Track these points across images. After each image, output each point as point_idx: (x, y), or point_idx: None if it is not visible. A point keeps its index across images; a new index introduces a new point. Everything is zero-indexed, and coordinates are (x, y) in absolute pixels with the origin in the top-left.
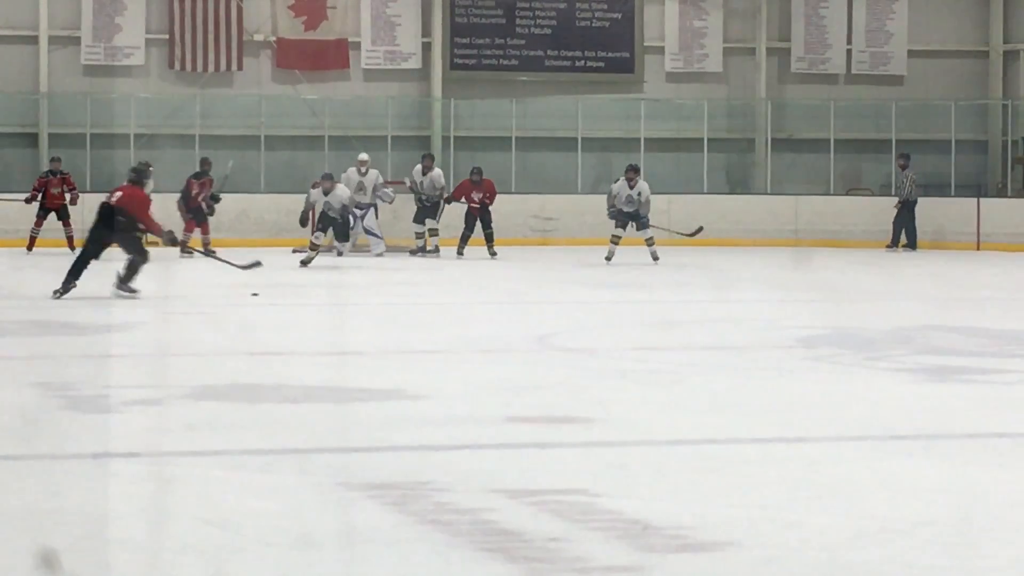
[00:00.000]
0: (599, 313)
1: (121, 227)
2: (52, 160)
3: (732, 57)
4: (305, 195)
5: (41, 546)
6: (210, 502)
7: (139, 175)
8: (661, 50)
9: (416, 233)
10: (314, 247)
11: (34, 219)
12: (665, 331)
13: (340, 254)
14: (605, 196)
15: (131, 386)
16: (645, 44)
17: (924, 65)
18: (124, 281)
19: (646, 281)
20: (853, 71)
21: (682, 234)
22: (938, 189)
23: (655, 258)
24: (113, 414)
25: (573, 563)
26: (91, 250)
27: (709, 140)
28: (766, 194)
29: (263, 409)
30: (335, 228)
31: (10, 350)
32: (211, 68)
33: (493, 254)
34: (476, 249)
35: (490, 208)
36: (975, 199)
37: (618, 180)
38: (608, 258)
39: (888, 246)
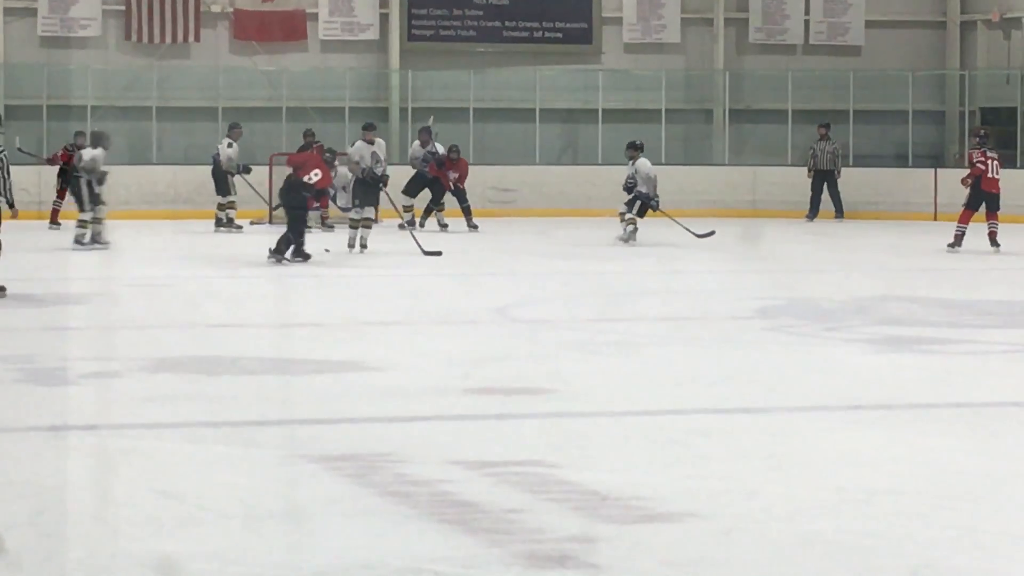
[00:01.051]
0: (558, 284)
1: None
2: (77, 134)
3: (690, 28)
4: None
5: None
6: (165, 474)
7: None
8: (619, 21)
9: (404, 207)
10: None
11: (56, 192)
12: (624, 302)
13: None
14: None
15: (86, 359)
16: (603, 15)
17: (882, 36)
18: (295, 252)
19: (605, 253)
20: (811, 41)
21: (694, 234)
22: (896, 160)
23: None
24: (68, 386)
25: (532, 534)
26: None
27: (667, 111)
28: (724, 165)
29: (218, 381)
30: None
31: None
32: (168, 39)
33: (474, 227)
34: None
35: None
36: (932, 169)
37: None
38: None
39: (807, 216)
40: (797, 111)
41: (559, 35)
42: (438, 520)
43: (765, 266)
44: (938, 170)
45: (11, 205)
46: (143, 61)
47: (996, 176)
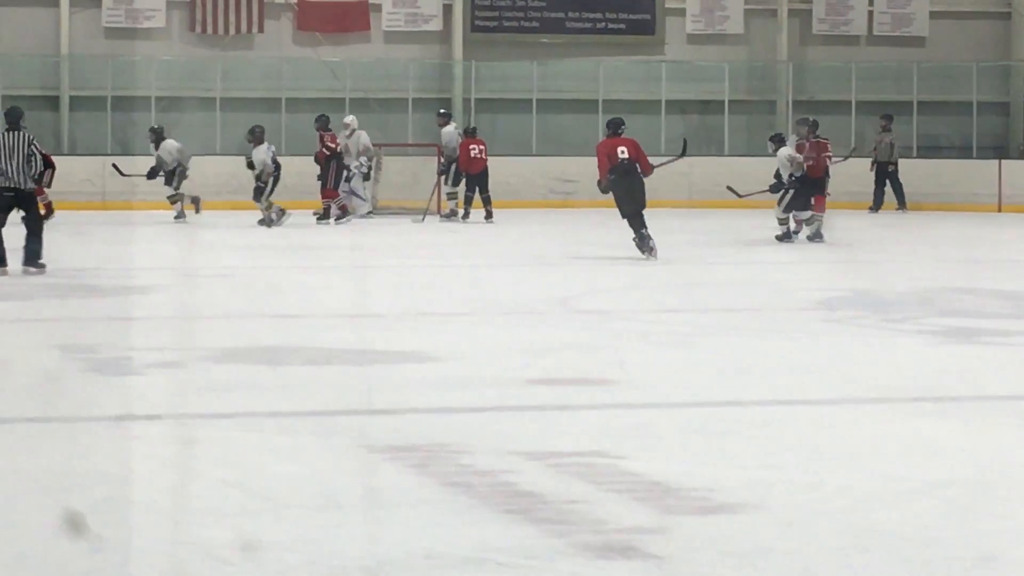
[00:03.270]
0: (619, 275)
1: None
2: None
3: (753, 19)
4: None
5: (66, 508)
6: (232, 464)
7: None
8: (682, 12)
9: (448, 194)
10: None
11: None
12: (686, 293)
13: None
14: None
15: (153, 348)
16: (666, 6)
17: (946, 26)
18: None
19: (667, 243)
20: (875, 32)
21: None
22: (960, 151)
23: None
24: (135, 376)
25: (594, 524)
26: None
27: (730, 102)
28: None
29: (285, 371)
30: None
31: (33, 313)
32: (232, 30)
33: (489, 215)
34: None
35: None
36: (996, 161)
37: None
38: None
39: (870, 208)
40: (861, 102)
41: (622, 26)
42: (500, 510)
43: (828, 257)
44: (1002, 161)
45: (38, 182)
46: (207, 52)
47: None
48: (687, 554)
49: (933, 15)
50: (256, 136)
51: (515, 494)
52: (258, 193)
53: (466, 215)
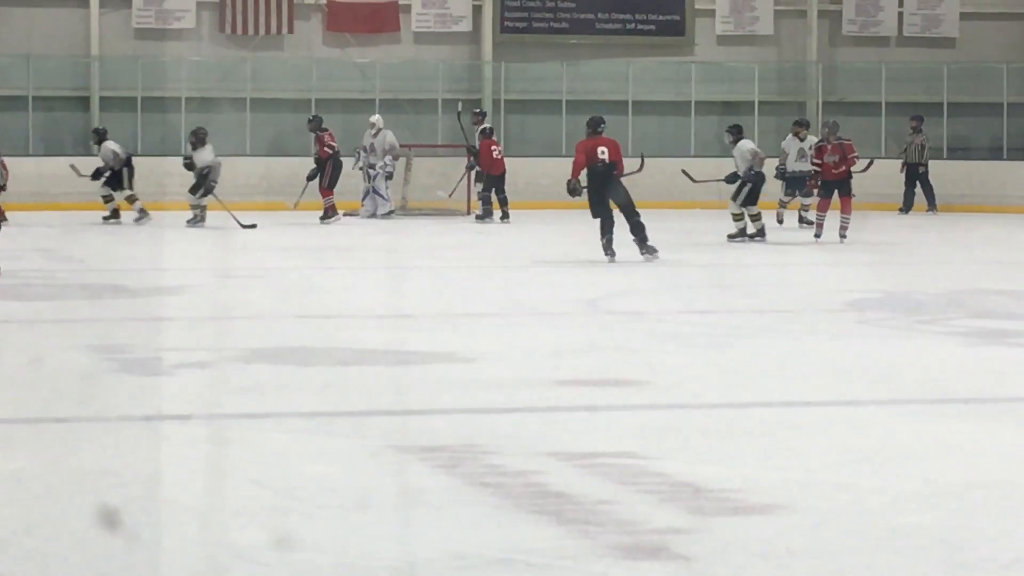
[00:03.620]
0: (650, 276)
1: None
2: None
3: (783, 20)
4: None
5: (101, 507)
6: (263, 464)
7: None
8: (712, 13)
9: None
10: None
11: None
12: (716, 293)
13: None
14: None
15: (185, 349)
16: (696, 7)
17: (976, 27)
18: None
19: (695, 244)
20: (905, 33)
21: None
22: (990, 152)
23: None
24: (167, 377)
25: (624, 525)
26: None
27: (760, 103)
28: None
29: (316, 372)
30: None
31: (65, 313)
32: (262, 31)
33: (506, 215)
34: (524, 213)
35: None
36: None
37: (787, 137)
38: (779, 221)
39: (900, 209)
40: (891, 103)
41: (652, 27)
42: (529, 511)
43: (858, 259)
44: None
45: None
46: (237, 53)
47: None
48: (717, 555)
49: (963, 16)
50: (199, 137)
51: (545, 495)
52: (195, 189)
53: (487, 215)
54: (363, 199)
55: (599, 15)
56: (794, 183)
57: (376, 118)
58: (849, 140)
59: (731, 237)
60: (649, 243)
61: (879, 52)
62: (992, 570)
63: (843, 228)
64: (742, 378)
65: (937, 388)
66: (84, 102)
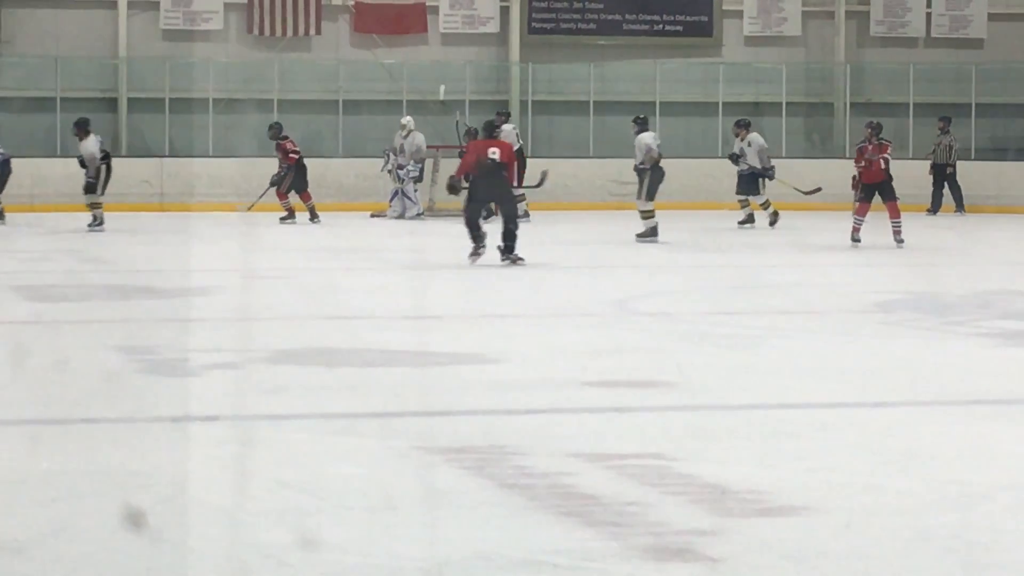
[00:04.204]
0: (677, 277)
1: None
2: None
3: (811, 20)
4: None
5: (128, 505)
6: (291, 465)
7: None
8: (740, 14)
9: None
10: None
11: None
12: (743, 295)
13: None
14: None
15: (212, 350)
16: (724, 8)
17: (1005, 28)
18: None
19: (724, 246)
20: (932, 34)
21: (801, 191)
22: (1019, 153)
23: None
24: (194, 378)
25: (651, 527)
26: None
27: (788, 104)
28: (845, 158)
29: (342, 373)
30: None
31: (92, 314)
32: (289, 32)
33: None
34: (549, 214)
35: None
36: None
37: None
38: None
39: (928, 211)
40: (919, 104)
41: (679, 28)
42: (557, 512)
43: (886, 260)
44: None
45: None
46: (264, 54)
47: None
48: (744, 556)
49: (991, 17)
50: (81, 128)
51: (572, 496)
52: (89, 189)
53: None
54: (391, 199)
55: (626, 16)
56: (741, 183)
57: (407, 120)
58: (889, 142)
59: (639, 237)
60: (515, 253)
61: (907, 53)
62: (1019, 573)
63: (896, 233)
64: (770, 379)
65: (966, 390)
66: (112, 103)
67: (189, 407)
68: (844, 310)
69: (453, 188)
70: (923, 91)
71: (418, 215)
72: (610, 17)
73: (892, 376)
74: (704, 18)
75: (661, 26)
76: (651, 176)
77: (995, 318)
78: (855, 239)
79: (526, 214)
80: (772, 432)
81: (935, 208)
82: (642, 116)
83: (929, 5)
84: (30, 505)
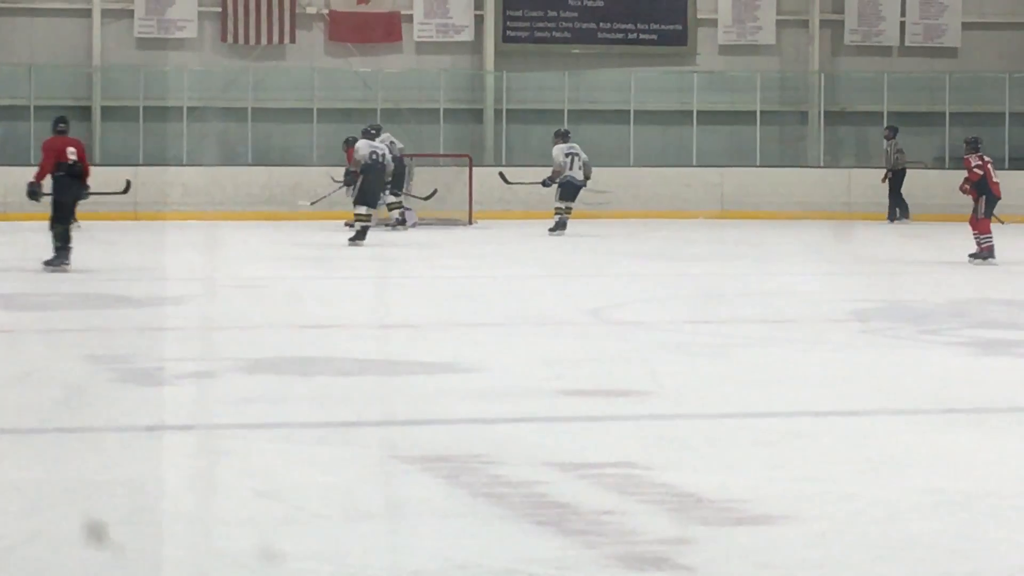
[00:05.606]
0: (652, 286)
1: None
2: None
3: (785, 29)
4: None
5: (90, 519)
6: (262, 474)
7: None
8: (714, 22)
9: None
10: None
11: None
12: (718, 304)
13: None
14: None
15: (182, 359)
16: (698, 16)
17: (978, 37)
18: None
19: (699, 254)
20: (907, 43)
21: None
22: (994, 162)
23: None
24: (165, 387)
25: (625, 536)
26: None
27: (762, 113)
28: (819, 167)
29: (314, 382)
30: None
31: (63, 323)
32: (264, 41)
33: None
34: (525, 224)
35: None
36: None
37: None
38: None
39: (888, 219)
40: (893, 113)
41: (654, 37)
42: (532, 521)
43: (860, 268)
44: None
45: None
46: (238, 62)
47: None
48: (720, 566)
49: (965, 26)
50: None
51: (547, 505)
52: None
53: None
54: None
55: (601, 25)
56: (562, 189)
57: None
58: (990, 160)
59: (552, 231)
60: (54, 258)
61: (881, 62)
62: None
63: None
64: (745, 388)
65: (942, 398)
66: (86, 111)
67: (161, 416)
68: (819, 319)
69: (33, 194)
70: (897, 100)
71: (412, 224)
72: (585, 26)
73: (867, 384)
74: (679, 27)
75: (636, 35)
76: (561, 185)
77: (970, 327)
78: (989, 256)
79: (403, 222)
80: (747, 441)
81: (891, 216)
82: (564, 129)
83: (903, 14)
84: (2, 514)
